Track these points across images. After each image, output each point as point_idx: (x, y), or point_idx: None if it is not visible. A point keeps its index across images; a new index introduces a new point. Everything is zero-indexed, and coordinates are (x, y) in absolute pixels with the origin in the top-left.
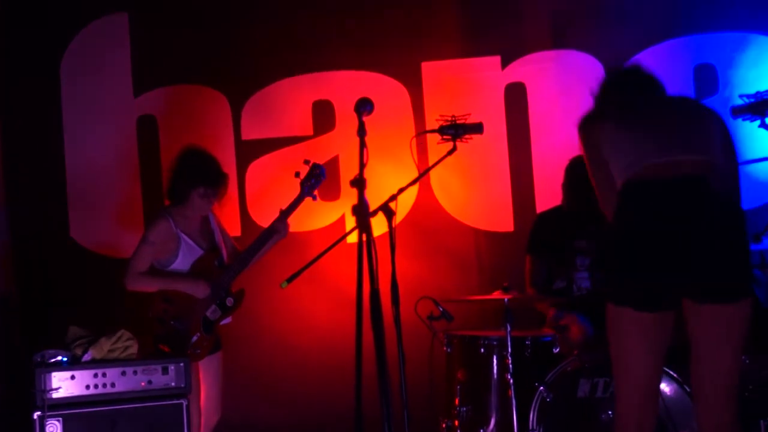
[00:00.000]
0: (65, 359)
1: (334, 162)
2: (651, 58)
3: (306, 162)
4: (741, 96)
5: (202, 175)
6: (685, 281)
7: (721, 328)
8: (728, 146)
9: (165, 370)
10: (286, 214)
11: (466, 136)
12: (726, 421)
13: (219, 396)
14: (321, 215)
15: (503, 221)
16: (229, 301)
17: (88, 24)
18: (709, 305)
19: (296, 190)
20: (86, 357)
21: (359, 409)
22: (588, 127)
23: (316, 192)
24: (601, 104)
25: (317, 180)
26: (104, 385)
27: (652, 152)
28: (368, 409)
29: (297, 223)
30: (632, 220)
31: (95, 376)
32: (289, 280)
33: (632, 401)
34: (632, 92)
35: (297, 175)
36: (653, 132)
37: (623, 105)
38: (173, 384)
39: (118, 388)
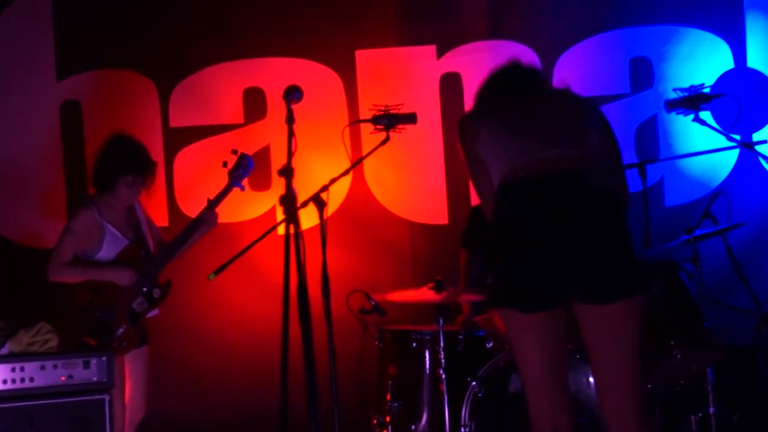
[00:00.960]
0: None
1: (266, 151)
2: (587, 50)
3: (234, 152)
4: (675, 90)
5: (129, 162)
6: (562, 282)
7: (607, 328)
8: (609, 140)
9: (86, 365)
10: (213, 204)
11: (400, 126)
12: (634, 427)
13: (145, 391)
14: (251, 206)
15: (438, 213)
16: (156, 293)
17: (10, 3)
18: (591, 305)
19: (226, 180)
20: (3, 350)
21: (284, 406)
22: (464, 126)
23: (244, 182)
24: (479, 103)
25: (245, 170)
26: (22, 380)
27: (526, 150)
28: (297, 406)
29: (226, 213)
30: (506, 221)
31: (13, 370)
32: (217, 272)
33: (539, 403)
34: (510, 90)
35: (224, 165)
36: (527, 129)
37: (499, 103)
38: (95, 378)
39: (36, 383)
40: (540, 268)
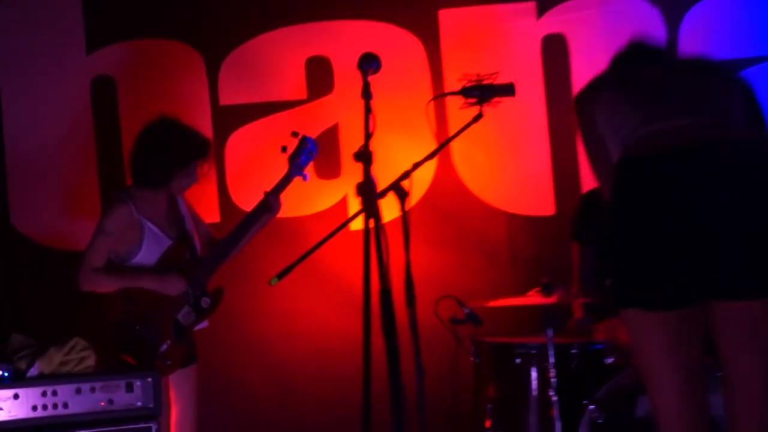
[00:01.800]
0: (6, 374)
1: (333, 132)
2: (719, 4)
3: (294, 134)
4: None
5: (187, 149)
6: (698, 274)
7: (753, 330)
8: (754, 111)
9: (129, 387)
10: (273, 194)
11: (495, 99)
12: None
13: (194, 418)
14: (318, 197)
15: (542, 203)
16: (205, 302)
17: None
18: (733, 303)
19: (285, 167)
20: (32, 371)
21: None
22: (583, 99)
23: (307, 170)
24: (602, 75)
25: (308, 156)
26: (55, 406)
27: (654, 120)
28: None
29: (288, 206)
30: (628, 202)
31: (44, 394)
32: (280, 275)
33: (671, 428)
34: (635, 58)
35: (284, 150)
36: (656, 98)
37: (624, 75)
38: (139, 404)
39: (72, 410)
40: (672, 258)
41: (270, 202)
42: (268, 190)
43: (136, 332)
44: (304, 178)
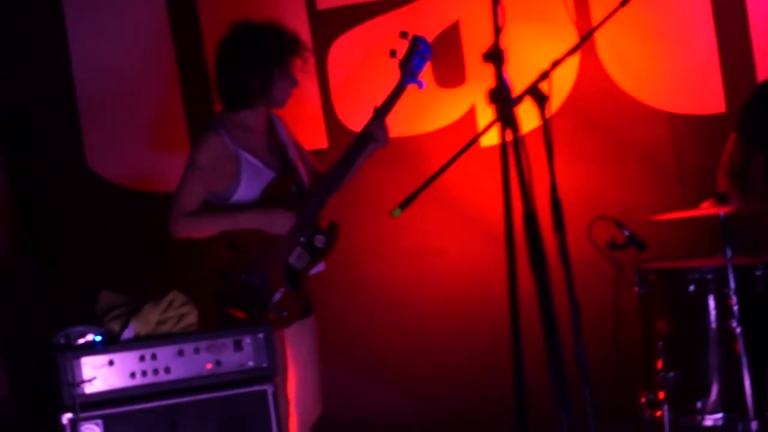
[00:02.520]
0: (99, 338)
1: (453, 31)
2: None
3: (403, 35)
4: None
5: (278, 45)
6: None
7: None
8: None
9: (238, 345)
10: (382, 111)
11: None
12: None
13: (317, 378)
14: (440, 109)
15: (709, 99)
16: (319, 240)
17: None
18: None
19: (396, 77)
20: (127, 333)
21: (520, 389)
22: None
23: (421, 77)
24: None
25: (421, 59)
26: (155, 372)
27: None
28: (533, 390)
29: (403, 123)
30: None
31: (142, 359)
32: (403, 205)
33: None
34: None
35: (392, 54)
36: None
37: None
38: (251, 364)
39: (174, 375)
40: None
41: (373, 131)
42: (378, 105)
43: (244, 281)
44: (420, 85)
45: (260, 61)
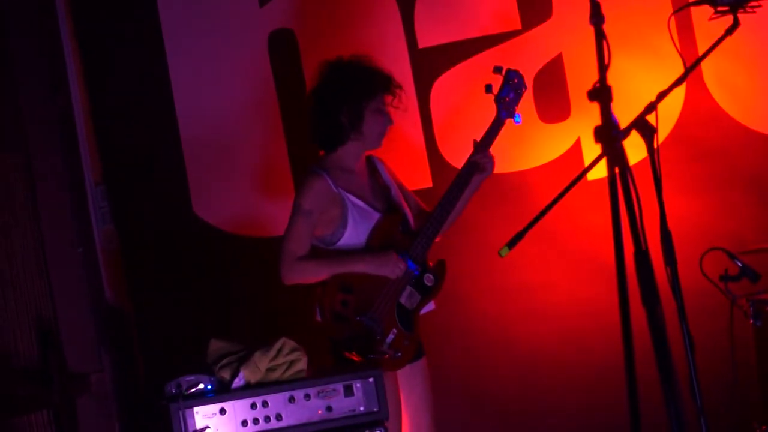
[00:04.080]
0: (210, 387)
1: (557, 64)
2: None
3: (496, 70)
4: None
5: (368, 80)
6: None
7: None
8: None
9: (349, 390)
10: (482, 146)
11: (752, 4)
12: None
13: (432, 423)
14: (544, 144)
15: None
16: (429, 279)
17: None
18: None
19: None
20: (238, 381)
21: (637, 425)
22: None
23: (518, 110)
24: None
25: (517, 93)
26: (267, 419)
27: None
28: (648, 424)
29: (510, 158)
30: None
31: (253, 407)
32: (511, 244)
33: None
34: None
35: (488, 89)
36: None
37: None
38: (362, 409)
39: (286, 421)
40: None
41: (478, 161)
42: (478, 139)
43: (358, 324)
44: (515, 119)
45: (348, 95)
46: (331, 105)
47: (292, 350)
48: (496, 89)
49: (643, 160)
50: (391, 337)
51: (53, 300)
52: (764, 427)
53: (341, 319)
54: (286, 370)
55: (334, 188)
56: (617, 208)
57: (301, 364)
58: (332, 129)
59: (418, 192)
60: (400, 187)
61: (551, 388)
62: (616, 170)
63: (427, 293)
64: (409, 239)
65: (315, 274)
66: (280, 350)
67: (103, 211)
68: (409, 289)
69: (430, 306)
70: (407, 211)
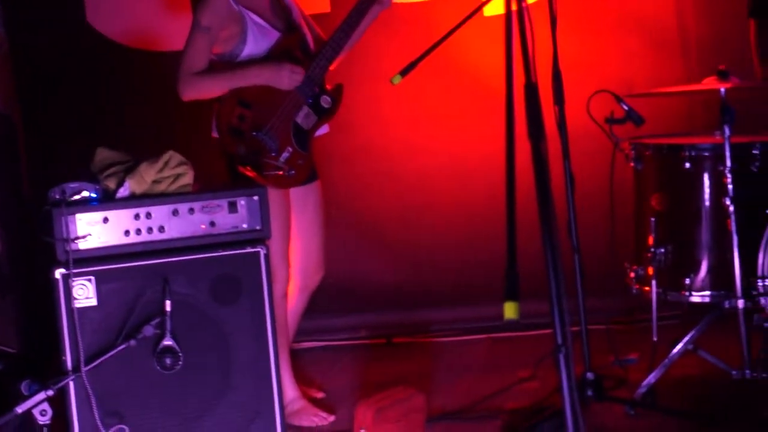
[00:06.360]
0: (94, 195)
1: None
2: None
3: None
4: None
5: None
6: None
7: None
8: None
9: (233, 207)
10: None
11: None
12: None
13: (321, 245)
14: None
15: None
16: (326, 101)
17: None
18: None
19: None
20: (123, 191)
21: (513, 255)
22: None
23: None
24: None
25: None
26: (150, 230)
27: None
28: (525, 256)
29: None
30: None
31: (136, 217)
32: (404, 72)
33: None
34: None
35: None
36: None
37: None
38: (245, 225)
39: (168, 234)
40: None
41: None
42: None
43: (254, 139)
44: None
45: None
46: None
47: (180, 164)
48: None
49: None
50: (285, 155)
51: None
52: (635, 266)
53: (237, 133)
54: (172, 183)
55: (233, 5)
56: (510, 42)
57: (187, 179)
58: None
59: (315, 16)
60: (300, 11)
61: (433, 216)
62: (513, 3)
63: (323, 115)
64: (308, 60)
65: (212, 88)
66: (167, 163)
67: None
68: (306, 109)
69: (325, 129)
70: (307, 33)
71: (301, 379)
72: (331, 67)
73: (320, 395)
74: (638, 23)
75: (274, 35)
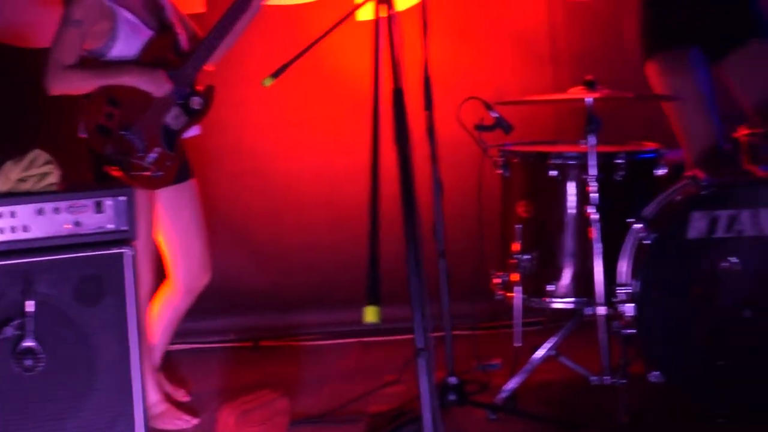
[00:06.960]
0: None
1: None
2: None
3: None
4: None
5: None
6: None
7: None
8: None
9: (99, 207)
10: None
11: None
12: None
13: (203, 246)
14: None
15: None
16: (196, 102)
17: None
18: None
19: None
20: None
21: (374, 258)
22: None
23: None
24: None
25: None
26: (13, 229)
27: None
28: (389, 259)
29: None
30: None
31: (0, 216)
32: (276, 74)
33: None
34: None
35: None
36: None
37: None
38: (111, 226)
39: (33, 233)
40: None
41: None
42: None
43: (121, 138)
44: None
45: None
46: None
47: (46, 162)
48: None
49: (414, 6)
50: (153, 155)
51: None
52: (500, 273)
53: (104, 132)
54: (38, 182)
55: (106, 1)
56: (378, 48)
57: (53, 178)
58: None
59: (190, 17)
60: (175, 9)
61: (302, 224)
62: (383, 9)
63: (193, 116)
64: (180, 61)
65: (81, 83)
66: (32, 161)
67: None
68: (175, 109)
69: (195, 130)
70: (180, 33)
71: (175, 382)
72: (208, 68)
73: (186, 398)
74: (511, 33)
75: (147, 34)
